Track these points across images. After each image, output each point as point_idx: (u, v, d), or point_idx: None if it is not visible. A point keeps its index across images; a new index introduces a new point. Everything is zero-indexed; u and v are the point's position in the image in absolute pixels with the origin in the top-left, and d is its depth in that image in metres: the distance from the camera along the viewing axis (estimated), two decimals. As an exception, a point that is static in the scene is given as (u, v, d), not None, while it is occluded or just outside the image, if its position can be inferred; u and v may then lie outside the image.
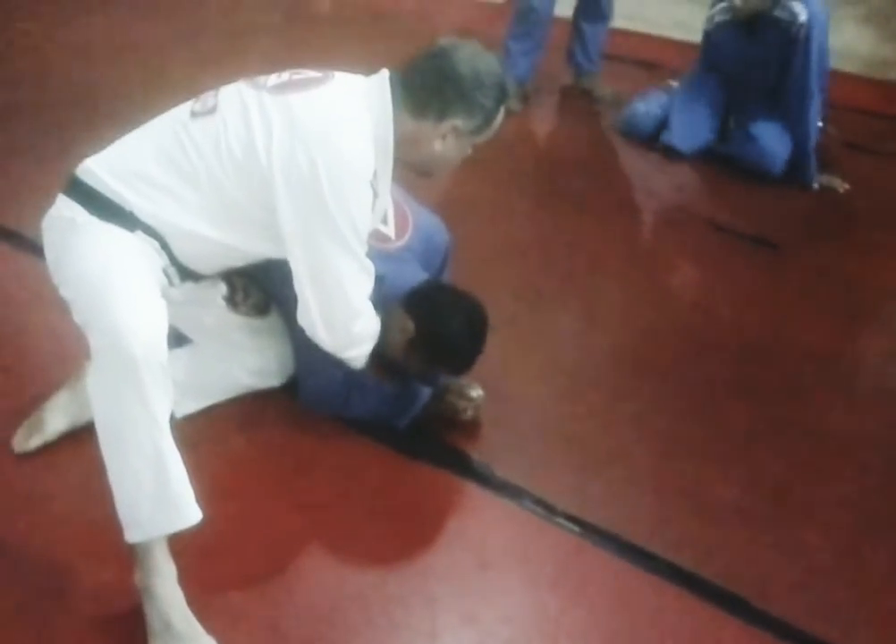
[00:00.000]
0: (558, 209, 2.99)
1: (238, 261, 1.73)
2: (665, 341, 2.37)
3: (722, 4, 3.21)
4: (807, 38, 3.08)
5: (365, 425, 1.92)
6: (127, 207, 1.56)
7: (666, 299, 2.61)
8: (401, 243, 1.94)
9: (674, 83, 3.67)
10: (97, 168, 1.60)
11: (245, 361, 1.88)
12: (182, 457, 1.46)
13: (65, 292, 1.56)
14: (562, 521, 1.76)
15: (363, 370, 1.80)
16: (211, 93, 1.66)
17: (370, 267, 1.67)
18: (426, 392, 1.95)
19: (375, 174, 1.60)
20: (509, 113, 1.77)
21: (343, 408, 1.92)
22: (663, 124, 3.45)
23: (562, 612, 1.60)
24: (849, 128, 3.51)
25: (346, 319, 1.68)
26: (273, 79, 1.64)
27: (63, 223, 1.58)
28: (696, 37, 3.42)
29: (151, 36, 4.06)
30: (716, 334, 2.41)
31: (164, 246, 1.59)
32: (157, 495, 1.44)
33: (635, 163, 3.49)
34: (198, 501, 1.47)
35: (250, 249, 1.67)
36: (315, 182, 1.53)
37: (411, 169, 1.72)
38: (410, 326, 1.78)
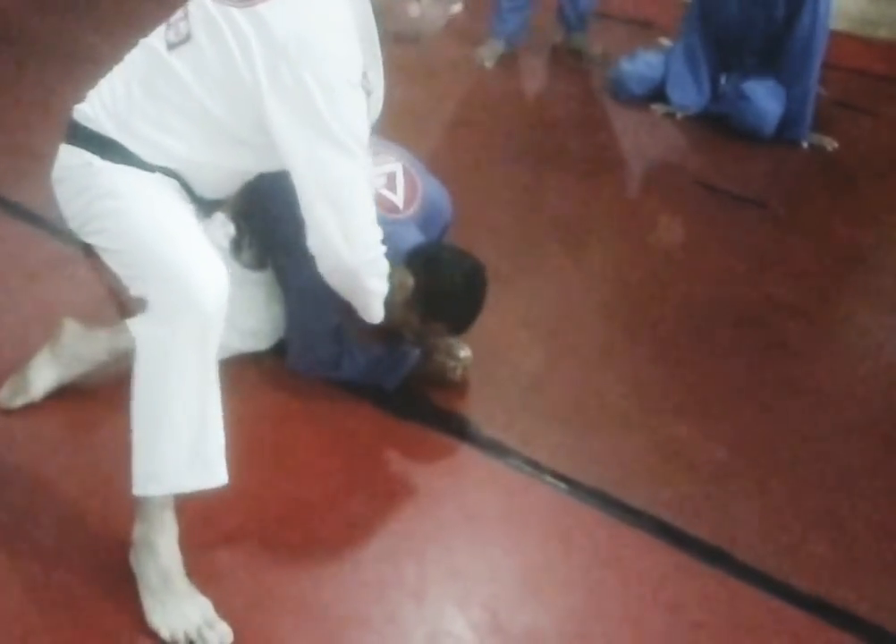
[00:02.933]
0: (546, 168, 2.98)
1: (255, 174, 1.68)
2: (654, 299, 2.38)
3: None
4: None
5: (353, 386, 1.93)
6: (136, 153, 1.53)
7: (654, 257, 2.61)
8: (408, 213, 1.93)
9: (666, 42, 3.63)
10: (95, 112, 1.55)
11: (237, 321, 1.88)
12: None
13: (102, 241, 1.52)
14: (548, 478, 1.78)
15: (351, 333, 1.80)
16: (180, 15, 1.58)
17: (370, 175, 1.62)
18: (414, 353, 1.95)
19: (364, 74, 1.54)
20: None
21: (333, 370, 1.93)
22: (653, 84, 3.42)
23: (547, 567, 1.62)
24: (837, 86, 3.50)
25: (363, 225, 1.59)
26: None
27: (80, 170, 1.53)
28: (686, -5, 3.39)
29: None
30: (704, 293, 2.42)
31: (183, 184, 1.56)
32: (192, 450, 1.41)
33: (624, 122, 3.47)
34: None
35: (265, 167, 1.63)
36: (305, 95, 1.47)
37: (397, 40, 1.64)
38: (410, 282, 1.77)
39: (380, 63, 1.61)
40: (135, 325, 1.47)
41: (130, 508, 1.46)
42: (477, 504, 1.73)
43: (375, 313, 1.72)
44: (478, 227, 2.47)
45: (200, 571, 1.49)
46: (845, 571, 1.65)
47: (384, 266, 1.67)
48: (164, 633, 1.43)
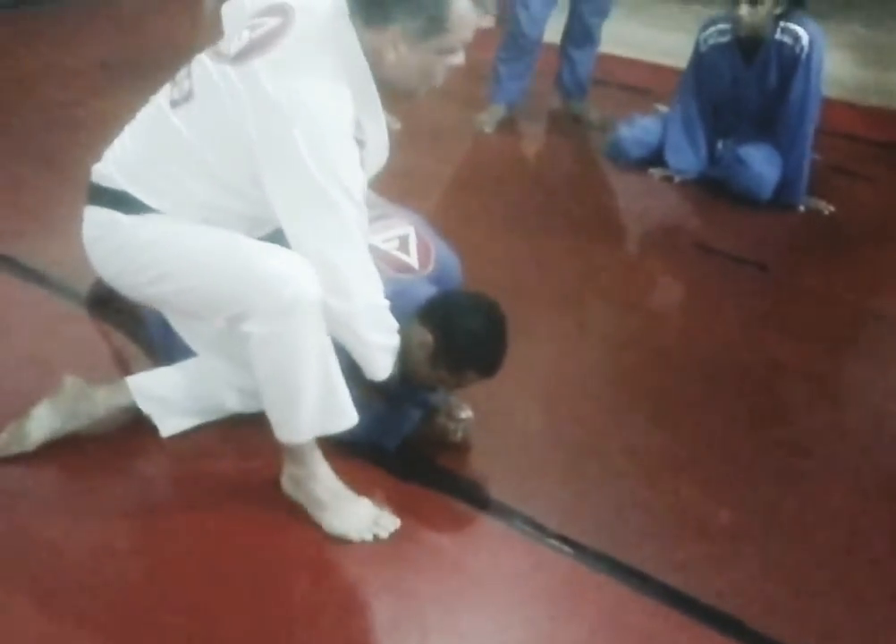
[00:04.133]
0: (546, 231, 3.01)
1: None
2: (654, 361, 2.37)
3: (720, 26, 3.22)
4: (808, 61, 3.10)
5: (355, 447, 1.91)
6: (154, 207, 1.59)
7: (654, 320, 2.62)
8: (425, 273, 1.94)
9: (662, 108, 3.70)
10: (109, 170, 1.62)
11: (235, 380, 1.87)
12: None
13: (167, 287, 1.61)
14: (553, 541, 1.75)
15: (353, 392, 1.79)
16: (184, 73, 1.64)
17: (364, 227, 1.63)
18: (416, 413, 1.94)
19: (358, 124, 1.54)
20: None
21: None
22: (650, 149, 3.48)
23: (553, 632, 1.59)
24: (831, 152, 3.56)
25: (354, 278, 1.60)
26: (235, 44, 1.59)
27: (109, 228, 1.60)
28: (684, 63, 3.46)
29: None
30: (705, 356, 2.41)
31: None
32: (325, 404, 1.64)
33: (622, 186, 3.52)
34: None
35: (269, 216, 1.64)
36: (293, 150, 1.49)
37: (393, 92, 1.63)
38: (429, 338, 1.77)
39: (378, 110, 1.62)
40: (247, 327, 1.58)
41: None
42: (480, 568, 1.70)
43: (379, 368, 1.72)
44: (475, 287, 2.47)
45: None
46: (861, 639, 1.62)
47: (386, 320, 1.68)
48: (354, 536, 1.69)
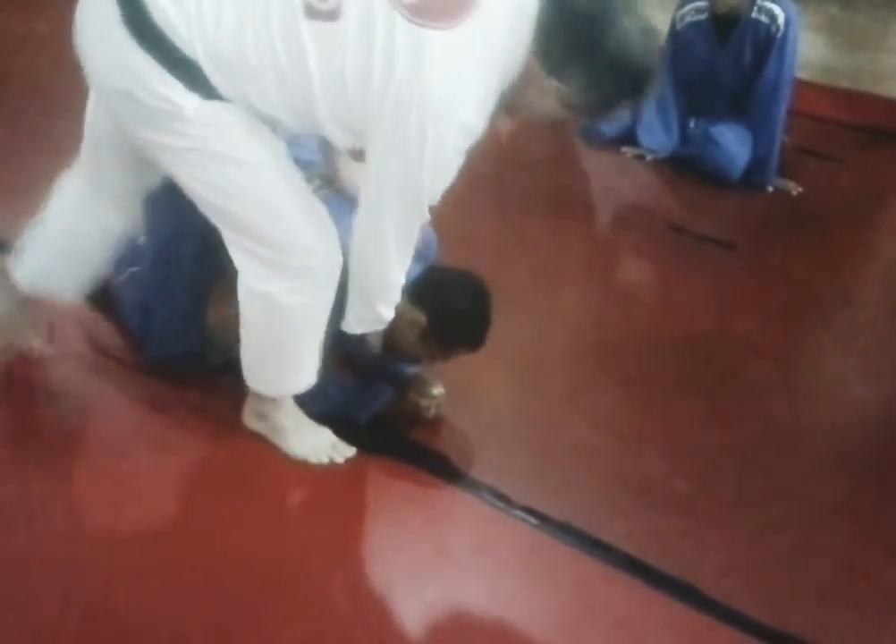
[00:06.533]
0: (517, 208, 3.03)
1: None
2: (622, 338, 2.41)
3: (697, 3, 3.22)
4: (784, 40, 3.13)
5: (326, 420, 1.93)
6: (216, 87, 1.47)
7: (623, 297, 2.66)
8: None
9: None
10: (193, 39, 1.41)
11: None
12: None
13: (202, 191, 1.59)
14: (519, 512, 1.79)
15: (328, 369, 1.82)
16: None
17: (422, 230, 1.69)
18: (388, 389, 1.97)
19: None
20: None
21: (308, 403, 1.93)
22: (623, 127, 3.50)
23: (516, 600, 1.63)
24: (800, 133, 3.60)
25: (393, 277, 1.69)
26: None
27: (160, 106, 1.46)
28: (659, 42, 3.47)
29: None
30: (672, 332, 2.46)
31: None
32: (294, 368, 1.75)
33: (595, 165, 3.54)
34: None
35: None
36: (419, 146, 1.46)
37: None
38: (422, 318, 1.80)
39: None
40: (256, 281, 1.64)
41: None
42: (447, 538, 1.74)
43: (364, 328, 1.77)
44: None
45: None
46: (811, 607, 1.67)
47: (396, 297, 1.73)
48: (312, 458, 1.80)
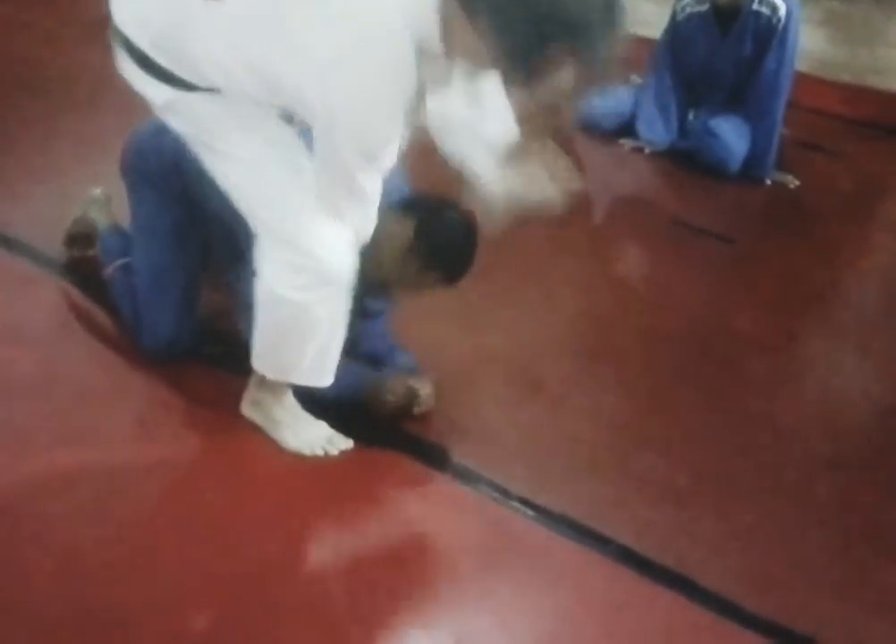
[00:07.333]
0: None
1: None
2: (619, 332, 2.41)
3: None
4: (784, 32, 3.12)
5: (320, 410, 1.91)
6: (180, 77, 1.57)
7: (620, 291, 2.65)
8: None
9: (636, 78, 3.71)
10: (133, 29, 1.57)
11: None
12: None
13: (221, 166, 1.61)
14: (516, 504, 1.79)
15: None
16: None
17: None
18: (360, 368, 1.91)
19: (420, 86, 1.42)
20: None
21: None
22: (622, 120, 3.49)
23: (513, 593, 1.63)
24: (799, 127, 3.59)
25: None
26: None
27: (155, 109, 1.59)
28: (658, 34, 3.45)
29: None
30: (669, 326, 2.45)
31: None
32: (315, 361, 1.72)
33: (593, 157, 3.52)
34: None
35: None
36: (331, 124, 1.47)
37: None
38: (409, 229, 1.76)
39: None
40: (281, 288, 1.62)
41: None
42: (442, 530, 1.74)
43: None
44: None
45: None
46: (805, 598, 1.68)
47: (372, 219, 1.68)
48: (307, 451, 1.79)
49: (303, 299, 1.63)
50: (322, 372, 1.75)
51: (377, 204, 1.66)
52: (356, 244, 1.66)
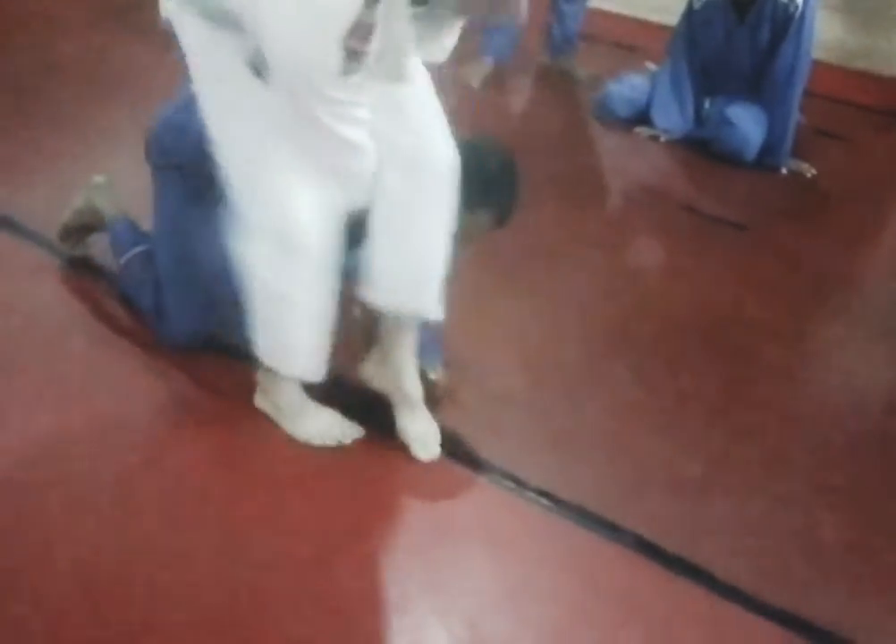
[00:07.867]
0: (529, 188, 2.98)
1: None
2: (633, 319, 2.40)
3: None
4: (801, 20, 3.11)
5: (331, 401, 1.91)
6: None
7: (635, 278, 2.65)
8: None
9: (652, 66, 3.69)
10: None
11: None
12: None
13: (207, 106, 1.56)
14: (529, 494, 1.79)
15: None
16: None
17: None
18: None
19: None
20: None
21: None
22: (637, 108, 3.48)
23: (527, 582, 1.63)
24: (815, 115, 3.57)
25: None
26: None
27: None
28: (674, 20, 3.44)
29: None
30: (684, 314, 2.45)
31: None
32: (311, 355, 1.71)
33: (608, 144, 3.52)
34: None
35: None
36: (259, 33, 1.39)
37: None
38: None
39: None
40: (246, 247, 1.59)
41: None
42: (457, 520, 1.74)
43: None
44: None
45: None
46: (820, 588, 1.68)
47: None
48: (316, 440, 1.79)
49: (272, 276, 1.61)
50: (307, 364, 1.73)
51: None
52: (339, 212, 1.60)
